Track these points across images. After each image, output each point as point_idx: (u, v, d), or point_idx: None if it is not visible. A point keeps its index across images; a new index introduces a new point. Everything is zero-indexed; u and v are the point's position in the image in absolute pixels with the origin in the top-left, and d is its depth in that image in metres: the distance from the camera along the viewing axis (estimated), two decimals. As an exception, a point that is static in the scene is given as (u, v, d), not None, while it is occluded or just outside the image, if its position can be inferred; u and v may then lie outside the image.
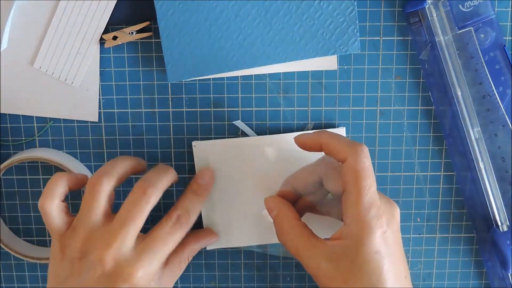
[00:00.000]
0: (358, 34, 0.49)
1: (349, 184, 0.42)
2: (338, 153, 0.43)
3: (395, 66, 0.52)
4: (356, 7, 0.49)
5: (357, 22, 0.49)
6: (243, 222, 0.53)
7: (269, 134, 0.53)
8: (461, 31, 0.50)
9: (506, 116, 0.51)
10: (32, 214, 0.55)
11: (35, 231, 0.56)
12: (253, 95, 0.52)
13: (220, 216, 0.53)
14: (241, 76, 0.52)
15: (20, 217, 0.55)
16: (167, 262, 0.47)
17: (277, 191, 0.49)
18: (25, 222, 0.55)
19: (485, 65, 0.50)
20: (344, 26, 0.49)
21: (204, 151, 0.52)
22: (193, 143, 0.52)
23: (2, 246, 0.53)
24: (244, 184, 0.53)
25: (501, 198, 0.52)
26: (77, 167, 0.52)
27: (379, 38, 0.51)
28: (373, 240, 0.41)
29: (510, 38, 0.51)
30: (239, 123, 0.53)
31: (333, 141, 0.44)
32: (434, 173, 0.54)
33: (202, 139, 0.53)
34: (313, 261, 0.43)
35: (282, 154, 0.52)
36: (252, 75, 0.52)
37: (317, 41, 0.50)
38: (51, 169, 0.54)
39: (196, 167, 0.53)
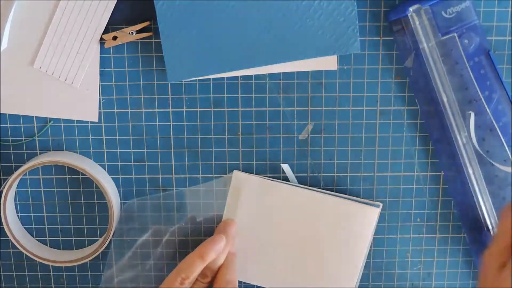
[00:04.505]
0: (358, 34, 0.49)
1: None
2: None
3: (395, 66, 0.52)
4: (356, 7, 0.49)
5: (357, 22, 0.49)
6: (260, 259, 0.54)
7: (269, 134, 0.53)
8: (444, 37, 0.49)
9: (493, 121, 0.51)
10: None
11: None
12: (253, 95, 0.52)
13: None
14: (241, 76, 0.52)
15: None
16: None
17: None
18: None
19: (470, 71, 0.50)
20: (344, 26, 0.49)
21: (241, 182, 0.53)
22: (234, 171, 0.53)
23: (19, 247, 0.53)
24: (268, 229, 0.54)
25: (490, 202, 0.52)
26: (93, 168, 0.52)
27: (379, 38, 0.51)
28: None
29: (494, 38, 0.51)
30: (286, 168, 0.53)
31: None
32: (434, 173, 0.54)
33: (202, 139, 0.53)
34: None
35: (314, 212, 0.53)
36: (252, 75, 0.52)
37: (317, 41, 0.50)
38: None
39: (229, 195, 0.54)
